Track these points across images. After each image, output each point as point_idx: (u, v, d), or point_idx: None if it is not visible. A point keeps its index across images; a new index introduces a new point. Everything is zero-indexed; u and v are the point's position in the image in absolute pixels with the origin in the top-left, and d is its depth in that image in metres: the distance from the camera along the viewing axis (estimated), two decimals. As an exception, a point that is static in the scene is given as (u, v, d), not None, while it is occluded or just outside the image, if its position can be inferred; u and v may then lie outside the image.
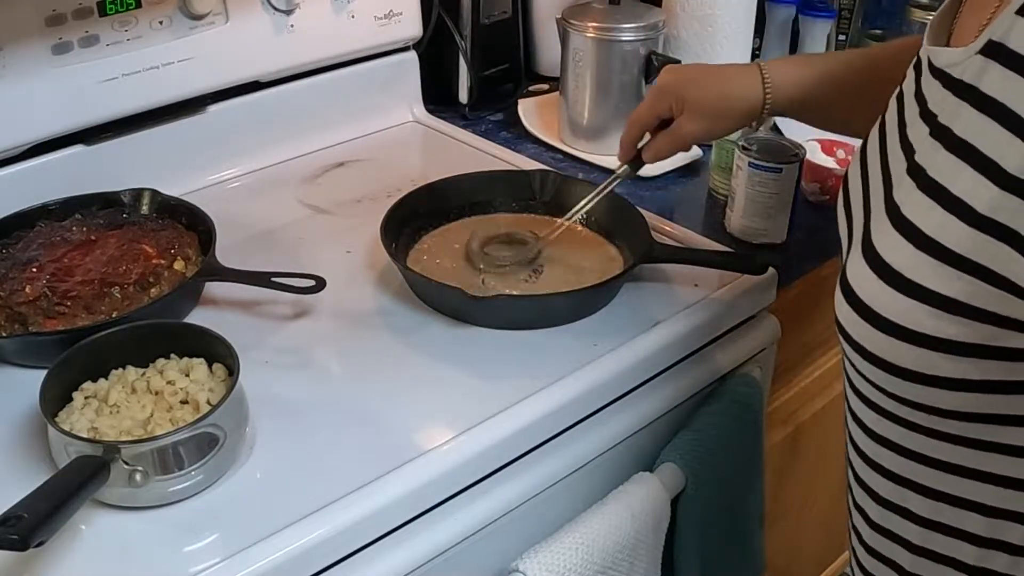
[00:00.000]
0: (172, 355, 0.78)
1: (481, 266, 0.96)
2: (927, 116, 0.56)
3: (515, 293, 0.92)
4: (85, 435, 0.69)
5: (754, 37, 1.29)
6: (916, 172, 0.55)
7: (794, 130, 1.27)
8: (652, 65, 1.18)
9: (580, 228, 1.03)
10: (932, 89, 0.57)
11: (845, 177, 0.68)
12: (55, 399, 0.73)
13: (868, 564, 0.70)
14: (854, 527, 0.71)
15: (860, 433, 0.64)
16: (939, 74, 0.56)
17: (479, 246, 0.97)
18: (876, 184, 0.61)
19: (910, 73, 0.63)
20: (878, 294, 0.55)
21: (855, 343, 0.58)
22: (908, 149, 0.57)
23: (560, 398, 0.81)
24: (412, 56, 1.30)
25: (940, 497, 0.60)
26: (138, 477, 0.67)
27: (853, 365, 0.60)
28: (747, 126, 0.93)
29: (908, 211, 0.54)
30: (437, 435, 0.76)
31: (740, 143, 1.02)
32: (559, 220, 1.00)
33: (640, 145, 0.95)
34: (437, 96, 1.34)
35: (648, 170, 1.18)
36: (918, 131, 0.57)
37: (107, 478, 0.66)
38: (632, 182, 1.17)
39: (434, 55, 1.32)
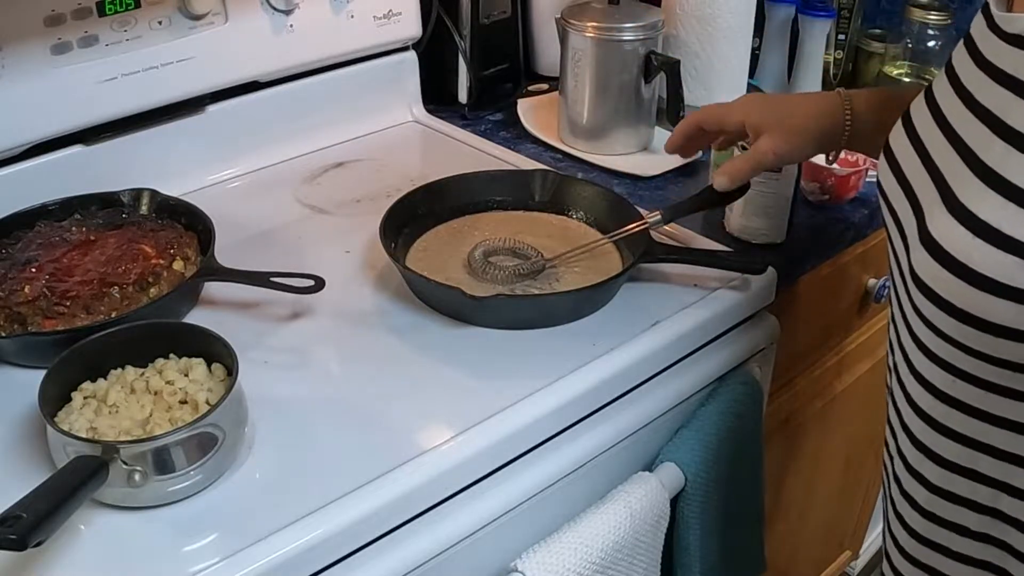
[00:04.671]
0: (171, 355, 0.78)
1: (488, 276, 0.94)
2: (1009, 82, 0.58)
3: (514, 293, 0.92)
4: (84, 435, 0.69)
5: (754, 36, 1.29)
6: (1011, 135, 0.56)
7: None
8: (652, 65, 1.18)
9: (580, 225, 1.04)
10: (1008, 55, 0.58)
11: (888, 152, 0.70)
12: (54, 399, 0.73)
13: (923, 529, 0.70)
14: (905, 494, 0.71)
15: (928, 397, 0.65)
16: (1018, 40, 0.57)
17: (483, 256, 0.96)
18: (945, 152, 0.62)
19: (960, 49, 0.65)
20: (973, 250, 0.56)
21: (943, 301, 0.59)
22: (987, 115, 0.59)
23: (559, 398, 0.81)
24: (411, 56, 1.30)
25: (1012, 459, 0.61)
26: (137, 477, 0.67)
27: (932, 326, 0.61)
28: (826, 154, 0.92)
29: (1009, 172, 0.56)
30: (436, 435, 0.76)
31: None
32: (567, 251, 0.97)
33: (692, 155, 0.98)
34: (437, 96, 1.34)
35: (647, 169, 1.19)
36: (999, 97, 0.58)
37: (106, 478, 0.66)
38: (631, 181, 1.17)
39: (433, 55, 1.32)
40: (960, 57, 0.65)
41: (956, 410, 0.63)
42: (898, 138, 0.70)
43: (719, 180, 0.92)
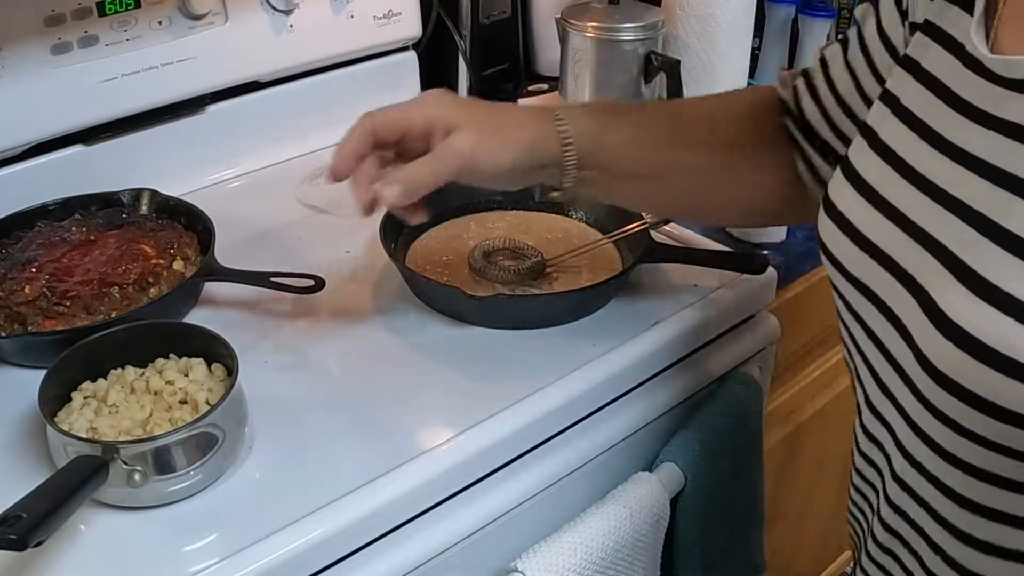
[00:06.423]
0: (171, 355, 0.78)
1: (488, 275, 0.94)
2: (1018, 132, 0.51)
3: (514, 293, 0.92)
4: (84, 435, 0.69)
5: (754, 36, 1.29)
6: None
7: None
8: (652, 65, 1.18)
9: (580, 225, 1.04)
10: (1015, 104, 0.52)
11: (846, 226, 0.61)
12: (54, 399, 0.73)
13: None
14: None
15: (943, 499, 0.57)
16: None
17: (482, 256, 0.96)
18: (940, 219, 0.55)
19: (922, 94, 0.59)
20: (1005, 333, 0.49)
21: (957, 386, 0.51)
22: (998, 175, 0.52)
23: (559, 398, 0.81)
24: (412, 56, 1.30)
25: (1009, 555, 0.55)
26: (137, 477, 0.67)
27: (951, 422, 0.53)
28: (548, 181, 0.73)
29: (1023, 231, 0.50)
30: (437, 435, 0.76)
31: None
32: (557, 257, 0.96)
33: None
34: (437, 96, 1.34)
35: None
36: (1011, 153, 0.52)
37: (106, 478, 0.66)
38: (632, 182, 1.17)
39: (433, 55, 1.32)
40: (929, 107, 0.58)
41: (978, 515, 0.55)
42: (854, 209, 0.61)
43: (389, 192, 0.68)
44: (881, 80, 0.69)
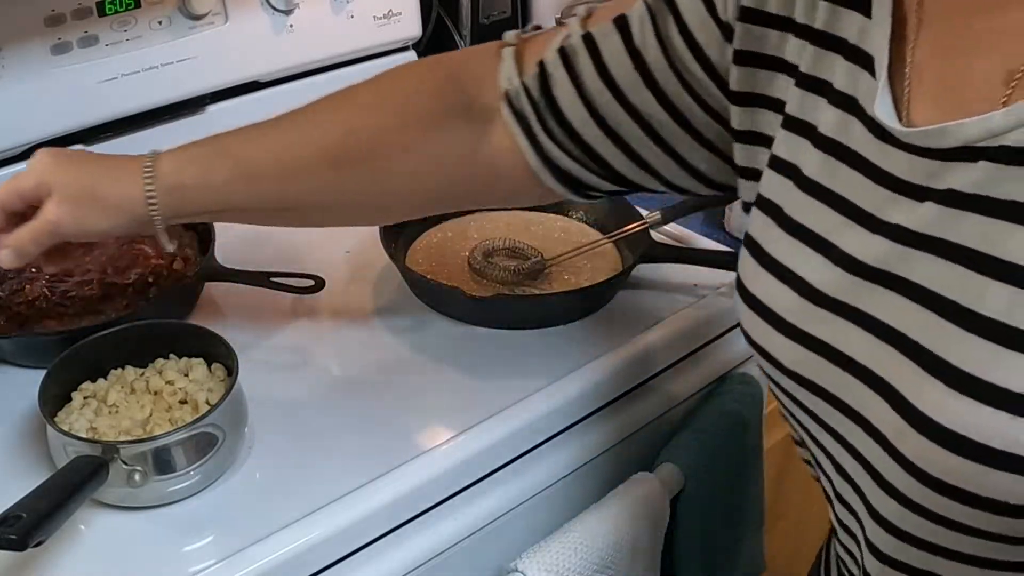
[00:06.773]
0: (171, 355, 0.78)
1: (488, 275, 0.94)
2: (980, 206, 0.46)
3: (514, 293, 0.92)
4: (84, 435, 0.69)
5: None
6: (1014, 273, 0.45)
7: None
8: (652, 65, 1.18)
9: (580, 225, 1.03)
10: (959, 174, 0.47)
11: (782, 326, 0.55)
12: (54, 399, 0.73)
13: None
14: None
15: (876, 563, 0.55)
16: (964, 153, 0.46)
17: (482, 256, 0.96)
18: (901, 310, 0.49)
19: (830, 165, 0.53)
20: (993, 427, 0.45)
21: (949, 487, 0.47)
22: (962, 254, 0.46)
23: (560, 398, 0.81)
24: (412, 56, 1.30)
25: None
26: (137, 477, 0.67)
27: (940, 517, 0.49)
28: (141, 232, 0.73)
29: (1001, 315, 0.45)
30: (437, 435, 0.76)
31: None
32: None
33: None
34: (437, 96, 1.34)
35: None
36: (974, 229, 0.46)
37: (106, 478, 0.66)
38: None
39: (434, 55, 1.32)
40: (844, 180, 0.52)
41: None
42: (775, 295, 0.55)
43: (3, 255, 0.72)
44: (681, 77, 0.62)
